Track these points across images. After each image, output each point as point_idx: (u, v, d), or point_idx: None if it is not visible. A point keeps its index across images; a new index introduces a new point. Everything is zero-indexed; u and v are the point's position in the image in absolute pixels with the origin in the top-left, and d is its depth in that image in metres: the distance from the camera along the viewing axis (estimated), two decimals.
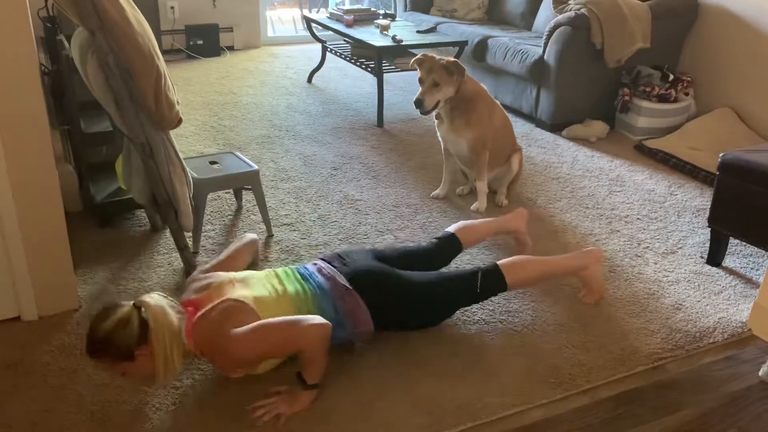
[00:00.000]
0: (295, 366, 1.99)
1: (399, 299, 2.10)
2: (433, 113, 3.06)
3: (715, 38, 4.14)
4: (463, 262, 2.59)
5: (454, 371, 2.04)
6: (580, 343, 2.19)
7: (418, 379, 2.00)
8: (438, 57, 2.99)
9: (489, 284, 2.20)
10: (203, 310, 1.85)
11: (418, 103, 2.97)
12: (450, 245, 2.43)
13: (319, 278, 2.04)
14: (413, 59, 3.04)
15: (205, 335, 1.82)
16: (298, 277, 2.05)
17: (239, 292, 1.91)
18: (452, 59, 2.96)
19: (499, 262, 2.24)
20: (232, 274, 2.02)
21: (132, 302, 1.80)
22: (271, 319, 1.85)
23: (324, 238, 2.79)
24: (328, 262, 2.12)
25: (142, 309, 1.77)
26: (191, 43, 5.54)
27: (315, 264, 2.13)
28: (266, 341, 1.83)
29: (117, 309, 1.77)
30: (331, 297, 1.99)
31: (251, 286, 1.96)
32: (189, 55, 5.52)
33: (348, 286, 2.02)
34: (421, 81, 2.98)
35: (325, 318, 1.91)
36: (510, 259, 2.27)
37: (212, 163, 2.77)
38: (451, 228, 2.49)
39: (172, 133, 2.40)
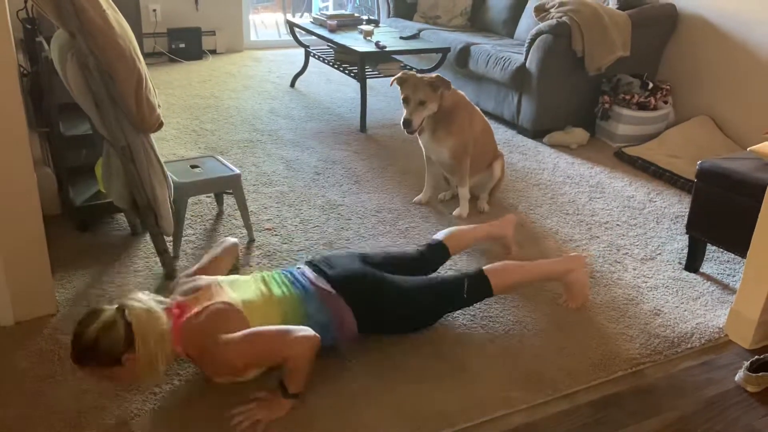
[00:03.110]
0: (280, 372, 1.98)
1: (385, 303, 2.10)
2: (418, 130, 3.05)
3: (693, 47, 4.20)
4: (444, 268, 2.59)
5: (435, 376, 2.04)
6: (560, 348, 2.20)
7: (399, 385, 2.00)
8: (419, 74, 2.97)
9: (475, 290, 2.21)
10: (191, 313, 1.83)
11: (407, 124, 2.93)
12: (438, 253, 2.44)
13: (305, 282, 2.04)
14: (393, 78, 3.00)
15: (194, 338, 1.80)
16: (284, 280, 2.04)
17: (228, 296, 1.90)
18: (435, 75, 2.94)
19: (484, 268, 2.25)
20: (219, 278, 2.00)
21: (115, 305, 1.76)
22: (261, 327, 1.84)
23: (306, 243, 2.78)
24: (315, 266, 2.11)
25: (126, 311, 1.73)
26: (173, 46, 5.51)
27: (299, 268, 2.13)
28: (255, 349, 1.82)
29: (100, 313, 1.72)
30: (316, 300, 1.99)
31: (238, 288, 1.95)
32: (171, 59, 5.49)
33: (331, 290, 2.02)
34: (406, 100, 2.94)
35: (311, 321, 1.90)
36: (494, 264, 2.28)
37: (193, 167, 2.75)
38: (440, 235, 2.49)
39: (153, 136, 2.38)
